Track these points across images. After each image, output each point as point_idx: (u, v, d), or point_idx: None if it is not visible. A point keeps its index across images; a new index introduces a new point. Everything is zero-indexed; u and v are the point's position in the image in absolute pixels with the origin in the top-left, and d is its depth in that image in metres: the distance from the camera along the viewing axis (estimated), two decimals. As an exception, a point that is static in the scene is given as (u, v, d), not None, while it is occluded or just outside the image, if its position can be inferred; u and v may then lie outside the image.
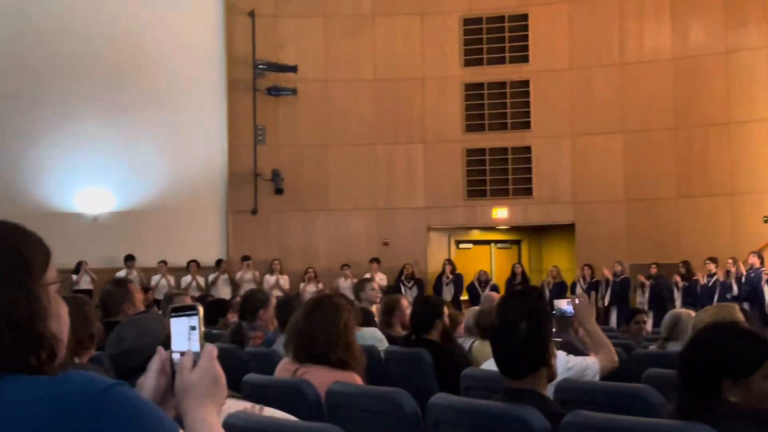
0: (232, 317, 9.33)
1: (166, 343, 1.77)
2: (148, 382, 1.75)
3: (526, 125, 19.53)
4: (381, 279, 17.84)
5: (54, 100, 17.89)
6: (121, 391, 1.50)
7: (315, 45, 19.64)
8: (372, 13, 19.78)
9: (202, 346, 1.75)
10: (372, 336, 6.38)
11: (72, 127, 17.95)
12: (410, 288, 18.13)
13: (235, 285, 17.80)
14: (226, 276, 18.06)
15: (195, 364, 1.73)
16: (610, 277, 17.70)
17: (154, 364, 1.76)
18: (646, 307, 15.59)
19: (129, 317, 4.06)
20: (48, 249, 1.63)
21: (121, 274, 16.03)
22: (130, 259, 17.41)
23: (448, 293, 18.09)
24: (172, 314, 1.79)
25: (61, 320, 1.61)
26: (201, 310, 1.79)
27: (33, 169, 17.82)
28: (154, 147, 18.48)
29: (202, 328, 1.79)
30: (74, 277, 16.60)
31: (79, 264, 16.78)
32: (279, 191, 18.95)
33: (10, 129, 17.68)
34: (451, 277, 18.59)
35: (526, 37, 19.59)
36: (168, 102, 18.59)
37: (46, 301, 1.57)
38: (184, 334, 1.76)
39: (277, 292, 15.62)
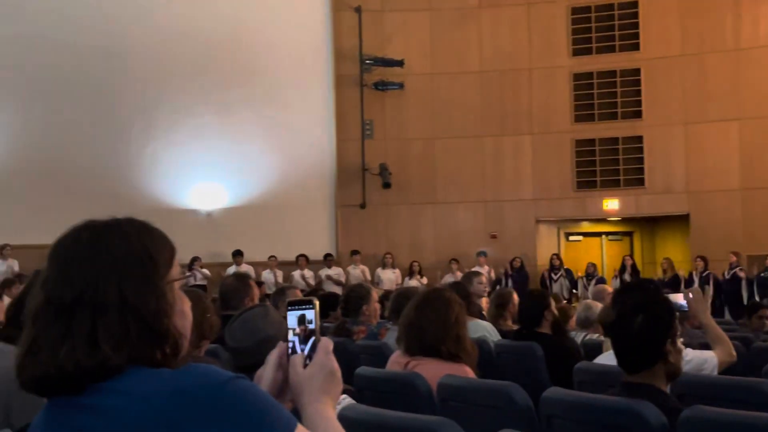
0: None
1: (285, 337, 1.78)
2: (266, 375, 1.76)
3: (638, 114, 19.13)
4: (489, 272, 17.78)
5: (169, 99, 18.35)
6: (241, 384, 1.52)
7: (421, 38, 19.64)
8: (478, 5, 19.67)
9: (318, 340, 1.75)
10: (482, 328, 6.35)
11: (187, 126, 18.39)
12: (517, 281, 17.95)
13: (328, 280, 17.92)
14: (335, 270, 18.22)
15: (310, 358, 1.75)
16: (722, 272, 17.18)
17: (272, 357, 1.77)
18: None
19: (247, 308, 4.13)
20: (173, 246, 1.67)
21: (231, 269, 16.32)
22: (238, 254, 17.71)
23: (557, 287, 17.87)
24: (289, 308, 1.79)
25: (184, 316, 1.65)
26: (317, 303, 1.79)
27: (150, 167, 18.32)
28: (264, 143, 18.77)
29: (319, 322, 1.79)
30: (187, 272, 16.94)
31: (194, 260, 17.13)
32: (387, 185, 19.02)
33: (129, 128, 18.20)
34: (560, 271, 18.36)
35: (636, 25, 19.18)
36: (277, 99, 18.85)
37: (172, 298, 1.61)
38: (301, 327, 1.76)
39: (390, 286, 15.69)
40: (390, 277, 18.01)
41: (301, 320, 1.77)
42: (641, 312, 3.16)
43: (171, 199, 18.21)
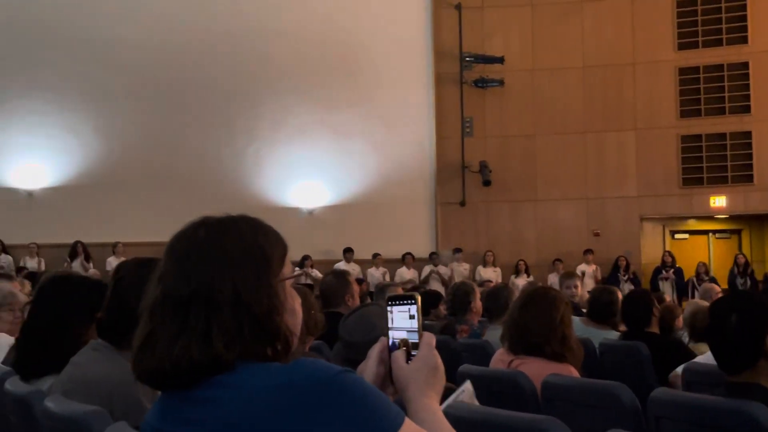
0: (443, 309, 9.40)
1: (386, 332, 1.80)
2: (368, 369, 1.78)
3: (746, 109, 18.57)
4: (595, 271, 17.53)
5: (272, 98, 18.62)
6: (350, 378, 1.54)
7: (522, 34, 19.47)
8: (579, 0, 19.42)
9: (420, 336, 1.76)
10: (579, 327, 6.28)
11: (289, 124, 18.64)
12: (626, 281, 17.61)
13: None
14: (443, 269, 18.22)
15: (411, 354, 1.75)
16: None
17: (374, 352, 1.79)
18: None
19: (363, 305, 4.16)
20: (285, 244, 1.71)
21: (340, 266, 16.46)
22: (348, 251, 17.86)
23: (667, 287, 17.47)
24: (390, 303, 1.81)
25: (295, 314, 1.69)
26: (419, 299, 1.80)
27: (253, 165, 18.64)
28: (365, 141, 18.89)
29: (421, 318, 1.80)
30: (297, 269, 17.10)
31: (304, 258, 17.22)
32: (487, 183, 18.91)
33: (233, 127, 18.55)
34: (671, 269, 17.95)
35: (744, 17, 18.63)
36: (378, 97, 18.94)
37: (283, 296, 1.65)
38: (403, 323, 1.78)
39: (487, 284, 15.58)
40: (491, 276, 17.92)
41: (403, 316, 1.78)
42: (735, 311, 3.09)
43: (273, 197, 18.47)
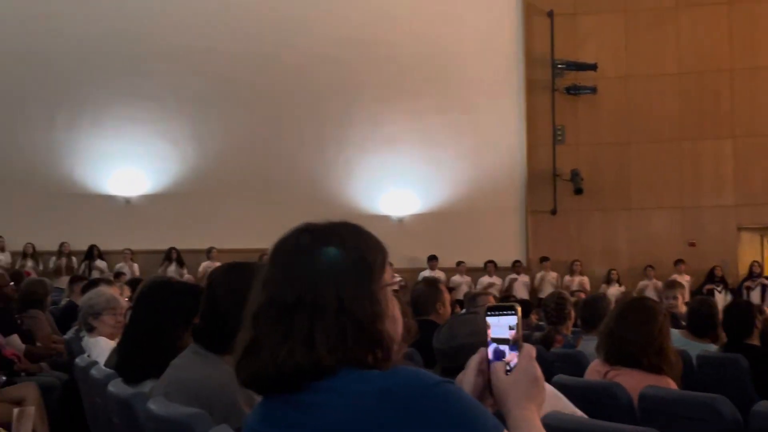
0: (535, 318, 9.33)
1: (485, 342, 1.78)
2: (467, 379, 1.77)
3: None
4: (689, 282, 17.16)
5: (363, 107, 18.73)
6: (449, 388, 1.55)
7: (615, 41, 19.19)
8: (675, 5, 19.03)
9: (520, 347, 1.74)
10: (678, 339, 6.15)
11: (379, 133, 18.72)
12: (720, 292, 17.20)
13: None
14: (524, 277, 18.09)
15: (511, 364, 1.74)
16: None
17: (473, 363, 1.78)
18: None
19: (454, 316, 4.17)
20: (386, 250, 1.72)
21: (425, 273, 16.47)
22: (432, 258, 17.88)
23: (754, 296, 17.01)
24: (489, 313, 1.79)
25: (396, 321, 1.69)
26: (519, 310, 1.78)
27: (344, 173, 18.77)
28: (455, 149, 18.85)
29: (521, 328, 1.78)
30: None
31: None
32: (579, 191, 18.69)
33: (324, 137, 18.72)
34: (758, 280, 17.47)
35: None
36: (468, 105, 18.89)
37: (385, 303, 1.65)
38: (502, 333, 1.76)
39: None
40: (577, 285, 17.70)
41: (502, 326, 1.77)
42: None
43: (364, 205, 18.56)
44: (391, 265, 1.73)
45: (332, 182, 18.68)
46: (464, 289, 16.57)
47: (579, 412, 3.43)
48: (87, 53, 18.07)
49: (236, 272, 2.80)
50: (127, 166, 18.25)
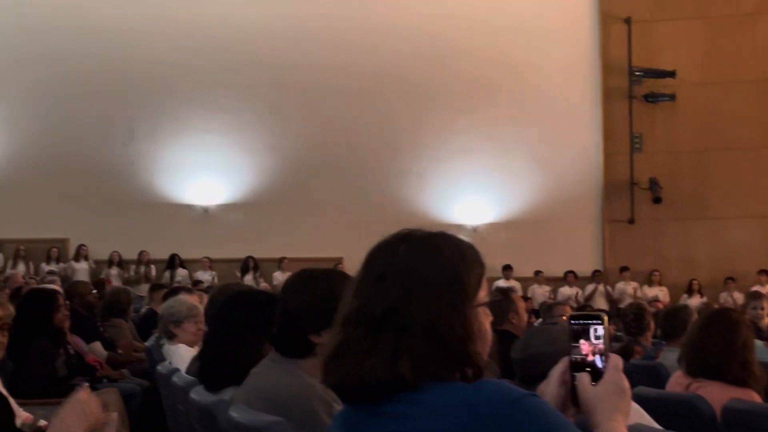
0: (613, 329, 9.20)
1: (569, 352, 1.75)
2: (549, 390, 1.74)
3: None
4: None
5: (437, 116, 18.72)
6: (535, 402, 1.54)
7: (694, 48, 18.85)
8: (754, 11, 18.64)
9: (607, 357, 1.71)
10: (762, 351, 6.00)
11: (453, 141, 18.68)
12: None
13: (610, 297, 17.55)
14: (602, 287, 17.86)
15: (598, 374, 1.71)
16: None
17: (556, 372, 1.75)
18: None
19: (532, 325, 4.15)
20: (483, 264, 1.69)
21: (500, 283, 16.38)
22: (507, 268, 17.76)
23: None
24: (572, 322, 1.75)
25: (485, 338, 1.67)
26: (606, 319, 1.74)
27: (418, 182, 18.77)
28: (530, 158, 18.72)
29: (608, 339, 1.75)
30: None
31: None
32: (657, 200, 18.39)
33: (399, 145, 18.76)
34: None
35: None
36: (543, 113, 18.75)
37: (477, 323, 1.64)
38: (587, 342, 1.72)
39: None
40: (658, 295, 17.41)
41: (587, 335, 1.74)
42: None
43: (438, 214, 18.52)
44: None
45: (406, 191, 18.70)
46: (542, 299, 16.44)
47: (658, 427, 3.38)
48: (166, 67, 18.41)
49: (311, 279, 2.83)
50: (206, 176, 18.53)
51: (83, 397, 2.12)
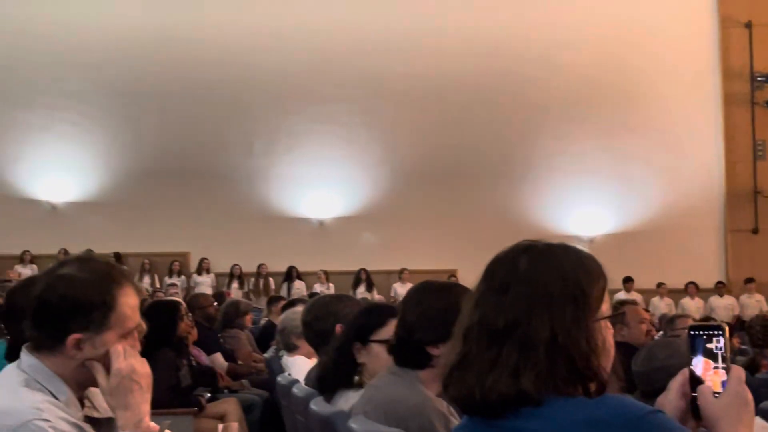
0: (737, 342, 8.95)
1: (688, 363, 1.72)
2: (670, 402, 1.72)
3: None
4: None
5: (549, 124, 18.54)
6: (659, 418, 1.52)
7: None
8: None
9: (728, 369, 1.67)
10: None
11: (567, 152, 18.47)
12: None
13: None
14: (727, 300, 17.35)
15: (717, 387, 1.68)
16: None
17: (676, 384, 1.71)
18: None
19: (654, 338, 4.07)
20: (606, 277, 1.67)
21: (620, 296, 16.06)
22: (628, 280, 17.41)
23: None
24: (692, 332, 1.72)
25: (609, 353, 1.65)
26: (727, 330, 1.71)
27: (531, 193, 18.61)
28: (648, 167, 18.36)
29: (729, 349, 1.71)
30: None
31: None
32: (784, 209, 17.82)
33: (511, 156, 18.65)
34: None
35: None
36: (659, 120, 18.38)
37: (600, 336, 1.62)
38: (707, 354, 1.69)
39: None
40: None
41: (708, 347, 1.71)
42: None
43: (552, 225, 18.33)
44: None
45: (520, 202, 18.58)
46: (664, 311, 16.09)
47: None
48: (281, 83, 18.74)
49: (430, 291, 2.85)
50: (321, 189, 18.78)
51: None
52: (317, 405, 3.24)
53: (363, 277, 17.87)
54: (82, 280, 2.11)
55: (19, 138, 18.67)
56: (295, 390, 3.84)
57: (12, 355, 2.82)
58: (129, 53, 18.57)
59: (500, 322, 1.59)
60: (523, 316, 1.58)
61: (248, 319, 9.28)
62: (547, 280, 1.61)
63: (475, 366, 1.59)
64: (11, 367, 2.16)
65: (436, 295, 2.76)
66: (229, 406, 6.54)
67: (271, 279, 18.19)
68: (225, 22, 18.64)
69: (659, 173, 18.37)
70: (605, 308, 1.65)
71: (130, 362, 2.10)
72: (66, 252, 17.78)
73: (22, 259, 17.92)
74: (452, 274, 16.69)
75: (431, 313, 2.70)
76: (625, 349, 5.08)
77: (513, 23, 18.54)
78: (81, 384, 2.13)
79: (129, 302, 2.15)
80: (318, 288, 17.35)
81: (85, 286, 2.10)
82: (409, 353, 2.79)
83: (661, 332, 8.10)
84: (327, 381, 3.39)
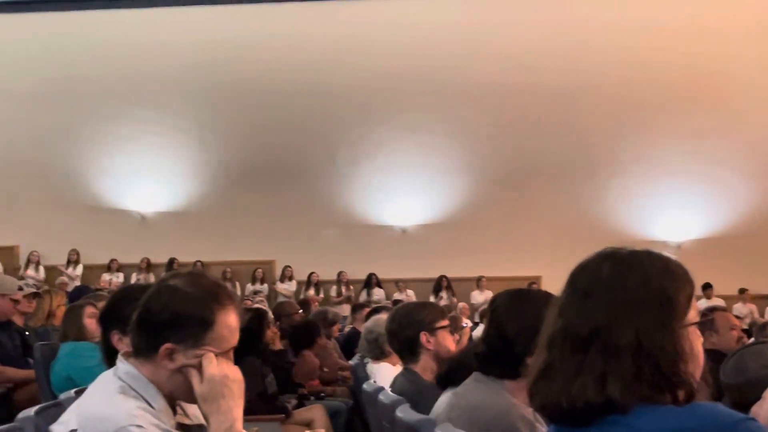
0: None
1: None
2: (764, 412, 1.70)
3: None
4: None
5: (635, 129, 18.25)
6: (753, 426, 1.49)
7: None
8: None
9: None
10: None
11: (654, 155, 18.17)
12: None
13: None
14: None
15: None
16: None
17: None
18: None
19: (744, 346, 3.99)
20: (693, 283, 1.65)
21: (701, 303, 15.74)
22: (707, 287, 16.99)
23: None
24: None
25: (698, 359, 1.63)
26: None
27: (616, 198, 18.35)
28: (735, 170, 17.96)
29: None
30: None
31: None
32: None
33: (595, 161, 18.42)
34: None
35: None
36: (749, 122, 17.97)
37: (687, 344, 1.59)
38: None
39: None
40: None
41: None
42: None
43: (639, 230, 18.04)
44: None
45: (606, 207, 18.35)
46: (748, 318, 15.71)
47: None
48: (365, 92, 18.86)
49: (522, 298, 2.84)
50: (404, 197, 18.81)
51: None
52: (403, 412, 3.26)
53: (443, 285, 17.85)
54: (185, 294, 2.15)
55: (108, 150, 19.17)
56: (381, 397, 3.86)
57: (108, 360, 2.91)
58: (215, 65, 18.92)
59: (584, 329, 1.58)
60: (607, 322, 1.57)
61: (336, 328, 9.34)
62: (631, 285, 1.60)
63: (560, 374, 1.59)
64: (108, 374, 2.23)
65: (532, 305, 2.74)
66: (317, 413, 6.59)
67: (351, 286, 18.30)
68: (310, 33, 18.86)
69: (748, 177, 17.94)
70: (693, 314, 1.62)
71: (223, 368, 2.13)
72: (148, 262, 18.25)
73: (109, 267, 18.36)
74: (535, 281, 16.56)
75: (532, 324, 2.69)
76: (715, 357, 4.99)
77: (599, 24, 18.33)
78: (174, 392, 2.18)
79: (228, 323, 2.17)
80: (398, 295, 17.39)
81: (188, 300, 2.14)
82: (505, 364, 2.77)
83: (752, 339, 7.93)
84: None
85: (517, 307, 2.79)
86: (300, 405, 6.85)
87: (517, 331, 2.70)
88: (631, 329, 1.56)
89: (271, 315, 7.03)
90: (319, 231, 18.65)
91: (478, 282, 17.74)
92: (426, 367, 4.15)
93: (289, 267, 18.37)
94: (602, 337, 1.57)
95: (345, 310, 15.78)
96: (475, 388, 2.88)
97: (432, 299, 16.99)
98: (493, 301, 2.97)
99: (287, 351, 7.66)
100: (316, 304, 15.13)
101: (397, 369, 4.65)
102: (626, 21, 18.21)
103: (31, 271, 17.90)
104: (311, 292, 17.94)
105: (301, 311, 9.09)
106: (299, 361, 7.53)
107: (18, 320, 7.08)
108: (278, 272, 18.69)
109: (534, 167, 18.43)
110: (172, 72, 18.95)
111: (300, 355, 7.59)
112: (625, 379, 1.54)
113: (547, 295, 2.82)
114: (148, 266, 18.33)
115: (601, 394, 1.54)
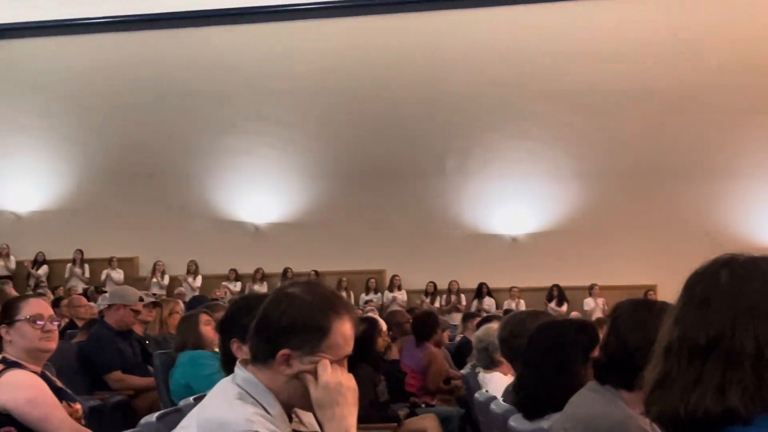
0: None
1: None
2: None
3: None
4: None
5: (751, 130, 17.75)
6: None
7: None
8: None
9: None
10: None
11: (744, 159, 17.76)
12: None
13: None
14: None
15: None
16: None
17: None
18: None
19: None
20: None
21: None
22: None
23: None
24: None
25: None
26: None
27: (736, 204, 17.85)
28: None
29: None
30: None
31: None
32: None
33: (710, 165, 17.95)
34: None
35: None
36: None
37: None
38: None
39: None
40: None
41: None
42: None
43: (755, 236, 17.50)
44: None
45: (723, 212, 17.90)
46: None
47: None
48: (474, 100, 18.88)
49: (641, 308, 2.80)
50: (514, 205, 18.71)
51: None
52: (516, 422, 3.24)
53: (555, 294, 17.69)
54: (303, 301, 2.19)
55: (224, 162, 19.65)
56: (493, 407, 3.85)
57: (226, 368, 2.98)
58: (325, 75, 19.21)
59: (702, 338, 1.55)
60: (725, 330, 1.54)
61: (446, 335, 9.31)
62: (750, 292, 1.56)
63: (677, 384, 1.56)
64: (227, 381, 2.29)
65: (658, 319, 2.69)
66: (429, 421, 6.60)
67: (462, 295, 18.28)
68: (419, 43, 18.96)
69: None
70: None
71: (337, 375, 2.17)
72: (263, 272, 18.62)
73: (228, 278, 18.83)
74: (651, 289, 16.23)
75: (654, 337, 2.65)
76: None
77: (713, 26, 17.94)
78: (290, 399, 2.22)
79: (344, 332, 2.21)
80: (509, 304, 17.29)
81: (305, 308, 2.18)
82: (625, 375, 2.73)
83: None
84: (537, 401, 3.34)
85: (640, 318, 2.75)
86: (411, 414, 6.87)
87: (639, 342, 2.65)
88: (750, 337, 1.52)
89: (382, 323, 7.05)
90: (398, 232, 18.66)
91: (591, 290, 17.51)
92: (537, 377, 4.11)
93: (397, 276, 18.47)
94: (720, 346, 1.53)
95: (455, 318, 15.77)
96: (590, 398, 2.85)
97: (552, 307, 16.86)
98: (615, 310, 2.93)
99: (399, 361, 7.71)
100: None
101: (509, 378, 4.63)
102: (739, 23, 17.88)
103: (156, 280, 18.53)
104: (427, 300, 17.99)
105: (410, 320, 9.10)
106: (425, 353, 7.69)
107: (138, 329, 7.31)
108: (387, 281, 18.82)
109: (650, 172, 18.07)
110: (284, 84, 19.31)
111: (424, 348, 7.73)
112: (746, 388, 1.50)
113: (670, 306, 2.76)
114: (262, 277, 18.70)
115: (721, 403, 1.51)
